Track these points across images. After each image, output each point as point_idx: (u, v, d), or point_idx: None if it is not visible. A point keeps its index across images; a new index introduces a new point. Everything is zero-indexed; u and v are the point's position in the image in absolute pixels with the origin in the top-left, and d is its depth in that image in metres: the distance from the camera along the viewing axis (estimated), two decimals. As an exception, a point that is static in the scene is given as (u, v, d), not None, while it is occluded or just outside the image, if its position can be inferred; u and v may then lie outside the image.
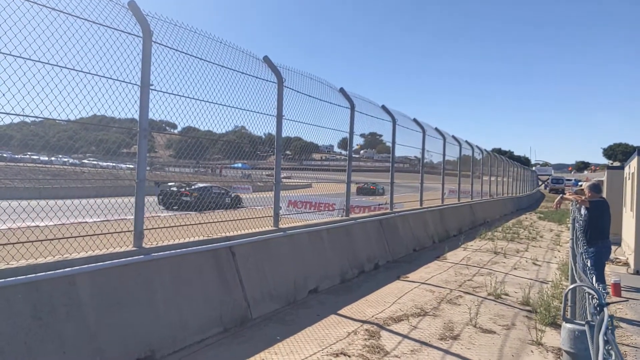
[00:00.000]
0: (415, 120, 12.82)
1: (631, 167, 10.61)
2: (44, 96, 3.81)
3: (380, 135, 11.92)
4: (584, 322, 1.71)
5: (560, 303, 6.60)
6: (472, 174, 19.16)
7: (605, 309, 1.52)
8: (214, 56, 5.63)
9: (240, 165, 9.60)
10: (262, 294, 5.90)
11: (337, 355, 4.53)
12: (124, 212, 4.99)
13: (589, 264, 2.70)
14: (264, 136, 7.35)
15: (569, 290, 2.06)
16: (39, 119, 4.03)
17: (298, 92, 7.32)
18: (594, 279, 2.02)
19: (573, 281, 3.53)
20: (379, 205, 12.44)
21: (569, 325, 1.77)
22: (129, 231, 4.72)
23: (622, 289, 7.59)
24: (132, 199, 4.69)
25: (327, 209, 12.74)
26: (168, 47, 4.94)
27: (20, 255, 3.85)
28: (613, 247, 7.22)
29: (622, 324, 6.00)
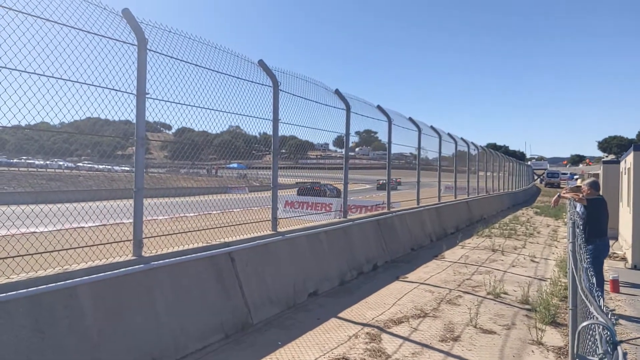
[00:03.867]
0: (410, 119, 12.83)
1: (627, 161, 10.65)
2: (41, 108, 3.80)
3: (375, 133, 11.92)
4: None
5: (560, 301, 6.66)
6: (468, 171, 19.22)
7: (619, 347, 1.51)
8: (209, 62, 5.62)
9: (235, 165, 9.58)
10: (262, 298, 5.90)
11: (339, 360, 4.54)
12: (120, 217, 4.97)
13: (593, 281, 2.67)
14: (258, 135, 7.35)
15: (581, 327, 2.05)
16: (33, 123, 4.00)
17: (293, 95, 7.32)
18: (602, 301, 2.00)
19: (574, 299, 3.50)
20: (377, 204, 12.46)
21: (581, 363, 1.77)
22: (128, 240, 4.70)
23: (620, 284, 7.65)
24: (128, 202, 4.66)
25: (324, 209, 12.75)
26: (163, 54, 4.92)
27: (20, 268, 3.83)
28: (610, 242, 7.27)
29: (621, 321, 6.05)
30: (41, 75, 3.81)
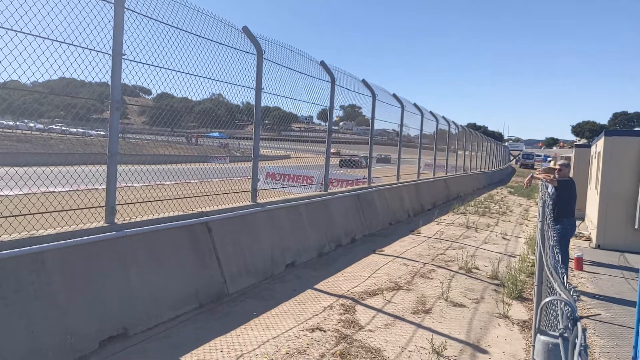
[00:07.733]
0: (394, 95, 12.77)
1: (598, 146, 10.95)
2: (7, 64, 3.58)
3: (360, 108, 11.84)
4: (557, 335, 1.77)
5: (527, 277, 6.89)
6: (447, 149, 19.43)
7: (579, 323, 1.56)
8: (192, 25, 5.39)
9: (217, 134, 9.40)
10: (239, 269, 5.91)
11: (313, 330, 4.62)
12: (93, 182, 4.81)
13: (559, 258, 2.76)
14: (241, 105, 7.18)
15: (543, 303, 2.11)
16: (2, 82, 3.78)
17: (278, 64, 7.14)
18: (565, 278, 2.06)
19: (540, 275, 3.61)
20: (357, 179, 12.51)
21: (543, 338, 1.83)
22: (100, 207, 4.58)
23: (584, 263, 7.98)
24: (102, 167, 4.51)
25: (305, 181, 12.72)
26: (142, 14, 4.67)
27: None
28: (577, 222, 7.55)
29: (583, 298, 6.33)
30: (9, 29, 3.57)
